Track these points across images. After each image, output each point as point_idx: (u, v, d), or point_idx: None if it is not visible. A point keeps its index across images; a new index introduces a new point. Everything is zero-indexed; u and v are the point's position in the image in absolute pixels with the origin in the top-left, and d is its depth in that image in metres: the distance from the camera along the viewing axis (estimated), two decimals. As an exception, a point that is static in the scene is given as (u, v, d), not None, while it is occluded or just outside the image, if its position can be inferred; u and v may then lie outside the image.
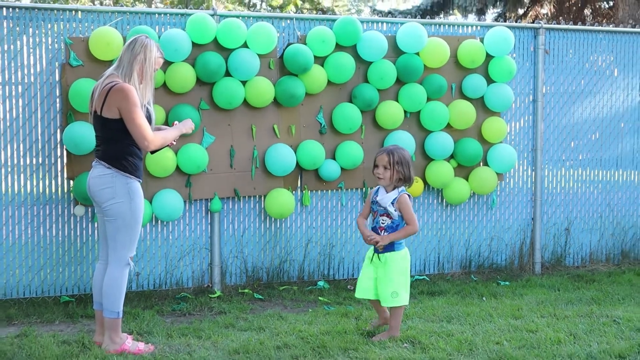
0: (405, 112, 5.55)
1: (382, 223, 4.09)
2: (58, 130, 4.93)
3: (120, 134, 3.84)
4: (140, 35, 3.97)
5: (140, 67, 3.88)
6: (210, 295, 5.12)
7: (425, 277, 5.73)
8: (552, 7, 14.80)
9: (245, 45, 5.12)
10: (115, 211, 3.87)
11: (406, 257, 4.16)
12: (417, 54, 5.52)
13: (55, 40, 4.90)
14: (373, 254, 4.15)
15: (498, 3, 15.04)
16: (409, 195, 4.13)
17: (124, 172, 3.87)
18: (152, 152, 4.12)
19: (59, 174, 4.97)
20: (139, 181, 3.96)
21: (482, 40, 5.74)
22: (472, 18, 15.52)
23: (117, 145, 3.86)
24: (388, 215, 4.08)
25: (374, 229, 4.13)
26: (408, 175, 4.07)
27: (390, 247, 4.09)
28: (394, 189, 4.11)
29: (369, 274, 4.17)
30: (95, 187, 3.89)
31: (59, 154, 4.96)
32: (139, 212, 3.92)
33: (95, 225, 5.01)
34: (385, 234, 4.08)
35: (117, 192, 3.86)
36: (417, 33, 5.44)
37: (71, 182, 4.93)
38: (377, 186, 4.21)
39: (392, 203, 4.08)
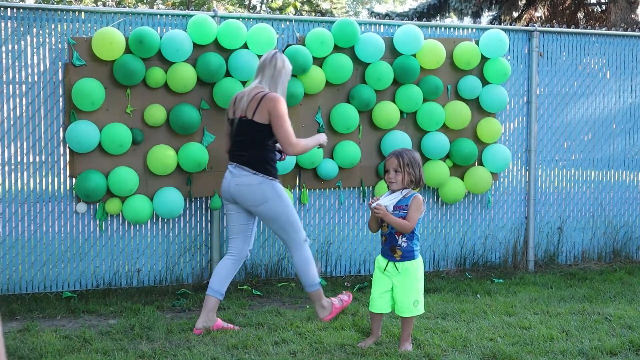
0: (401, 112, 5.61)
1: None
2: (61, 129, 4.98)
3: (265, 138, 4.24)
4: (275, 50, 4.42)
5: (283, 80, 4.32)
6: (209, 292, 5.18)
7: (420, 274, 5.80)
8: (546, 10, 14.90)
9: (245, 46, 5.19)
10: (272, 213, 4.28)
11: (422, 265, 4.01)
12: (414, 55, 5.60)
13: (59, 40, 4.95)
14: (387, 263, 3.93)
15: (493, 6, 15.13)
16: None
17: (269, 176, 4.25)
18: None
19: (62, 171, 5.03)
20: (279, 181, 4.35)
21: (477, 43, 5.80)
22: (467, 21, 15.60)
23: (262, 150, 4.25)
24: (404, 218, 3.88)
25: (391, 234, 3.92)
26: (419, 177, 3.91)
27: (410, 255, 3.91)
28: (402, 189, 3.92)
29: (385, 287, 3.96)
30: (245, 193, 4.24)
31: (61, 152, 5.01)
32: (289, 203, 4.34)
33: (94, 222, 5.09)
34: (403, 239, 3.89)
35: (268, 195, 4.24)
36: (414, 35, 5.52)
37: (73, 179, 4.99)
38: (385, 194, 4.00)
39: (400, 204, 3.90)
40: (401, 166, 3.89)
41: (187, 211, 5.31)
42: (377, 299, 3.98)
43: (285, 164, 5.25)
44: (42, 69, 4.94)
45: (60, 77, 4.96)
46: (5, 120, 4.91)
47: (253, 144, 4.23)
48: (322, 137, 4.52)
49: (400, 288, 3.94)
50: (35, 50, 4.93)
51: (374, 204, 3.87)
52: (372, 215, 3.97)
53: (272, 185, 4.25)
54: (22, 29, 4.91)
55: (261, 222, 5.46)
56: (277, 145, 4.36)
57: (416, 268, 3.95)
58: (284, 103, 4.21)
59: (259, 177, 4.22)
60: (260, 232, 5.51)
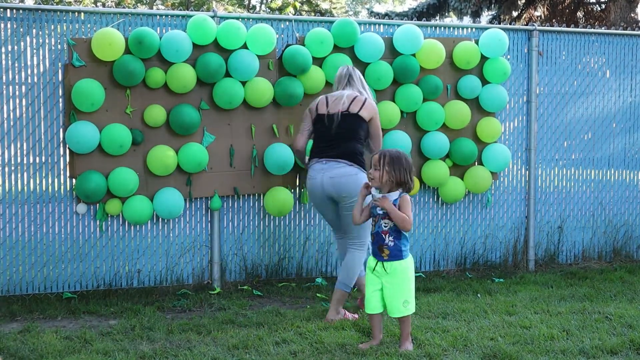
0: (401, 112, 5.62)
1: (385, 226, 3.91)
2: (61, 130, 4.99)
3: (364, 135, 4.58)
4: (347, 65, 4.81)
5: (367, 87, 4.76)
6: (210, 292, 5.17)
7: (421, 274, 5.79)
8: (545, 9, 14.90)
9: (244, 47, 5.19)
10: None
11: (412, 265, 4.00)
12: (414, 55, 5.60)
13: (58, 41, 4.96)
14: (376, 263, 3.94)
15: (493, 5, 15.13)
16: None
17: (363, 168, 4.49)
18: None
19: (62, 172, 5.03)
20: None
21: (477, 42, 5.81)
22: (467, 20, 15.60)
23: (359, 144, 4.54)
24: (390, 217, 3.89)
25: (378, 234, 3.93)
26: (400, 179, 3.88)
27: (398, 254, 3.91)
28: (389, 192, 3.93)
29: (376, 286, 3.96)
30: (341, 184, 4.43)
31: (61, 152, 5.02)
32: None
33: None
34: (390, 238, 3.90)
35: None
36: (413, 35, 5.52)
37: (73, 180, 5.00)
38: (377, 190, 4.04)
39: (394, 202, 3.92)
40: (381, 164, 3.90)
41: (187, 211, 5.32)
42: (370, 299, 4.00)
43: (285, 164, 5.25)
44: (41, 70, 4.94)
45: (60, 78, 4.96)
46: (5, 121, 4.91)
47: (353, 136, 4.52)
48: None
49: (389, 289, 3.93)
50: (34, 51, 4.93)
51: (376, 195, 3.93)
52: (360, 205, 4.04)
53: (364, 177, 4.40)
54: (21, 30, 4.91)
55: (260, 223, 5.45)
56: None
57: (405, 268, 3.94)
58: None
59: (355, 169, 4.46)
60: (260, 233, 5.52)
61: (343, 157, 4.47)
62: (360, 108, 4.55)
